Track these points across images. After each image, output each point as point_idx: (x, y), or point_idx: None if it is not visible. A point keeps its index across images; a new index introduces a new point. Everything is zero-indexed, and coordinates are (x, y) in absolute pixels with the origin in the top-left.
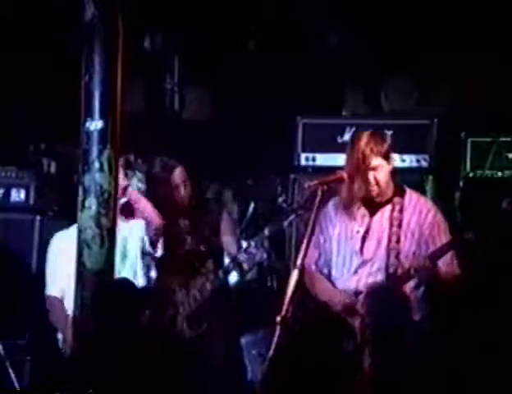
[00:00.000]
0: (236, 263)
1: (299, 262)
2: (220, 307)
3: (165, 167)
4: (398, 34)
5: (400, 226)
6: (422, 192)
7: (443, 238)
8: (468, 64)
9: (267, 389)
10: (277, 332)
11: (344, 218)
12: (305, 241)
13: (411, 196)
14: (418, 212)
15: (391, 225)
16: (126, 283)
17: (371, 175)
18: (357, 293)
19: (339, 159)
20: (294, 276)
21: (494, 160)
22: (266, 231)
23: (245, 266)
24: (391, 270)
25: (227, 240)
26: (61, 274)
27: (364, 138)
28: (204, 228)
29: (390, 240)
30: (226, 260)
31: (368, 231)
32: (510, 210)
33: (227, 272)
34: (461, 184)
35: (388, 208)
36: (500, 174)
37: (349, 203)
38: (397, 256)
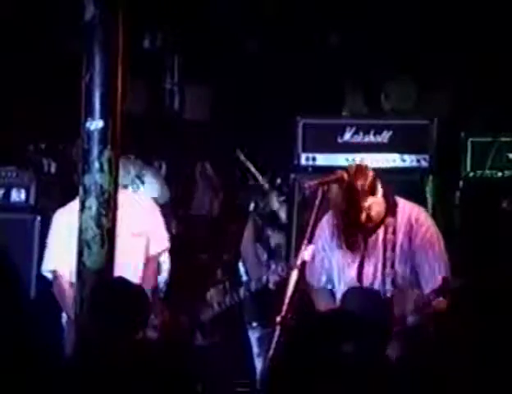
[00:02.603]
0: (262, 284)
1: (298, 262)
2: (234, 318)
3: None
4: (398, 34)
5: (393, 249)
6: (422, 192)
7: (436, 249)
8: (468, 64)
9: (267, 389)
10: (277, 332)
11: (339, 245)
12: (305, 242)
13: (403, 211)
14: (408, 232)
15: (385, 249)
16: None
17: (364, 214)
18: None
19: (339, 159)
20: (294, 276)
21: (494, 160)
22: (298, 260)
23: (270, 286)
24: (388, 295)
25: (247, 250)
26: (67, 249)
27: (351, 177)
28: (229, 238)
29: (384, 266)
30: (241, 269)
31: (364, 257)
32: (510, 210)
33: (250, 291)
34: (461, 184)
35: (381, 230)
36: (500, 174)
37: (343, 231)
38: (393, 282)
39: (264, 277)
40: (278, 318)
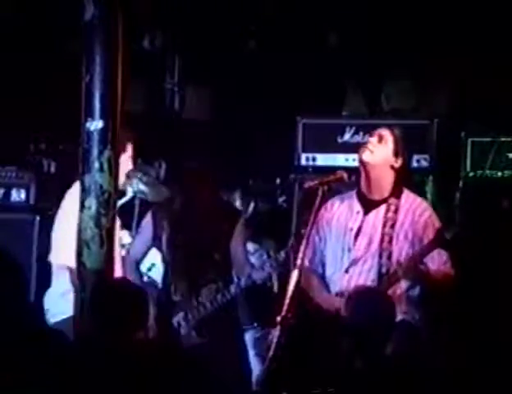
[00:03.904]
0: (251, 281)
1: (298, 262)
2: (229, 318)
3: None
4: (398, 34)
5: (393, 227)
6: (422, 192)
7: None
8: (468, 64)
9: (267, 389)
10: (277, 332)
11: (340, 215)
12: (304, 241)
13: (407, 197)
14: (412, 212)
15: (384, 225)
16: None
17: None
18: (342, 295)
19: (339, 159)
20: (294, 276)
21: (494, 160)
22: (282, 253)
23: (258, 281)
24: (384, 271)
25: (237, 249)
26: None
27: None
28: (220, 237)
29: (382, 241)
30: (233, 270)
31: (361, 228)
32: (510, 210)
33: (241, 288)
34: (461, 184)
35: (383, 207)
36: (500, 174)
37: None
38: (389, 257)
39: (253, 274)
40: (278, 318)
